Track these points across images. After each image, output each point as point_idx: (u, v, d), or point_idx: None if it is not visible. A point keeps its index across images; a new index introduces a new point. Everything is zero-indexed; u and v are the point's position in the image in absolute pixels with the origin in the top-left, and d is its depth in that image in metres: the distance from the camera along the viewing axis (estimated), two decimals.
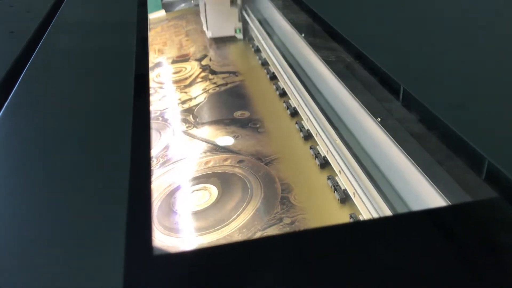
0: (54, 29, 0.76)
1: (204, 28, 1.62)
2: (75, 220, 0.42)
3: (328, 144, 0.89)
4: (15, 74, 0.63)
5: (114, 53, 0.67)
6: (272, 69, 1.29)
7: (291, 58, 1.19)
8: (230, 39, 1.59)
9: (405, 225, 0.46)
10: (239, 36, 1.58)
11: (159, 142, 1.11)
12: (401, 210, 0.69)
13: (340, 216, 0.82)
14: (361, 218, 0.77)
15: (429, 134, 0.64)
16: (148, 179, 0.49)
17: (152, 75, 1.37)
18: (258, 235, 0.82)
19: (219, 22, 1.56)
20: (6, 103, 0.58)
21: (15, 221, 0.43)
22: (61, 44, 0.74)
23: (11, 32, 0.80)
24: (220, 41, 1.56)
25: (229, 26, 1.56)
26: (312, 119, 0.97)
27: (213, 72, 1.38)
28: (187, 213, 0.90)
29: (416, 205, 0.66)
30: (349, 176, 0.80)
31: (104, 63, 0.64)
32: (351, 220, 0.79)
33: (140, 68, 0.61)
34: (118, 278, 0.36)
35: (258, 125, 1.12)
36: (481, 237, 0.43)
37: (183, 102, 1.26)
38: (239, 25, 1.56)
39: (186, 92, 1.30)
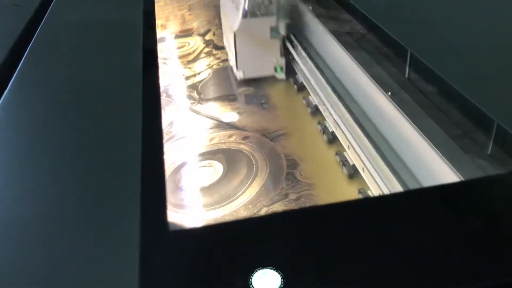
0: (59, 2, 0.75)
1: (232, 64, 1.22)
2: (89, 198, 0.41)
3: (336, 118, 0.88)
4: (21, 47, 0.62)
5: (121, 26, 0.66)
6: None
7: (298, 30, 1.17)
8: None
9: (416, 201, 0.45)
10: (281, 76, 1.17)
11: (163, 118, 1.10)
12: (411, 185, 0.69)
13: (348, 192, 0.81)
14: (370, 193, 0.76)
15: (440, 107, 0.63)
16: (160, 154, 0.48)
17: None
18: (264, 210, 0.82)
19: (254, 58, 1.15)
20: (13, 77, 0.57)
21: (27, 196, 0.43)
22: (67, 17, 0.73)
23: (16, 5, 0.78)
24: None
25: (267, 64, 1.15)
26: (320, 94, 0.96)
27: (217, 47, 1.36)
28: (192, 189, 0.89)
29: (427, 180, 0.65)
30: (358, 151, 0.79)
31: (112, 36, 0.63)
32: (360, 195, 0.78)
33: (148, 41, 0.60)
34: (134, 253, 0.36)
35: (263, 101, 1.11)
36: (494, 213, 0.42)
37: (187, 78, 1.24)
38: (282, 61, 1.16)
39: (190, 68, 1.29)
